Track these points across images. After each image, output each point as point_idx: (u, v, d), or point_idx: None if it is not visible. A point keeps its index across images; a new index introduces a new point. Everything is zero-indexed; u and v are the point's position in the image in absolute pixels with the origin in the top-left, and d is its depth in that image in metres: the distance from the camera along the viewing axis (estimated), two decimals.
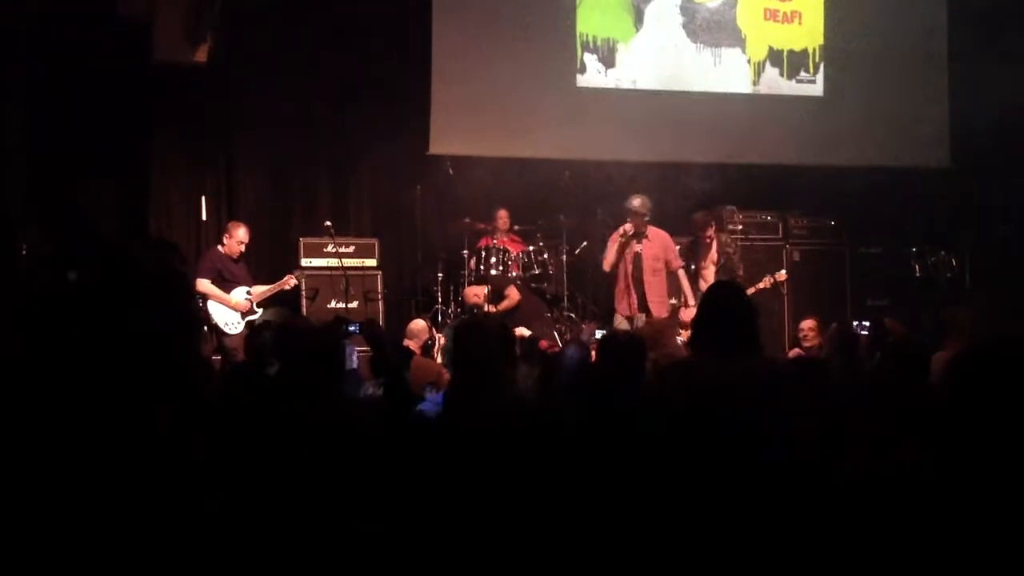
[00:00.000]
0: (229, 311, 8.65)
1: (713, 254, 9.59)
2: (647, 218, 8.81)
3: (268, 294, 8.89)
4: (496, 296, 9.54)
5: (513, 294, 9.61)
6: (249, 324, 8.28)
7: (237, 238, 8.78)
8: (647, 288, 8.73)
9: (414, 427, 3.41)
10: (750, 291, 8.96)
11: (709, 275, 9.40)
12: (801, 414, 3.35)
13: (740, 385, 3.24)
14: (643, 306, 8.68)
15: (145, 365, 2.63)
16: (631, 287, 8.76)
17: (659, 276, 8.84)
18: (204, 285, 8.57)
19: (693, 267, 9.53)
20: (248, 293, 8.76)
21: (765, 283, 9.36)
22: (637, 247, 8.78)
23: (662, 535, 2.95)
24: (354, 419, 2.76)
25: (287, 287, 8.99)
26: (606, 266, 9.00)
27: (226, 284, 8.72)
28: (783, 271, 9.62)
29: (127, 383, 2.57)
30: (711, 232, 9.65)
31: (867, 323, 8.56)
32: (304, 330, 3.17)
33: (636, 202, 8.75)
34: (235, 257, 8.82)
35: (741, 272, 9.49)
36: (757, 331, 3.42)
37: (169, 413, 2.58)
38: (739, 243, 9.96)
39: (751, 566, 2.95)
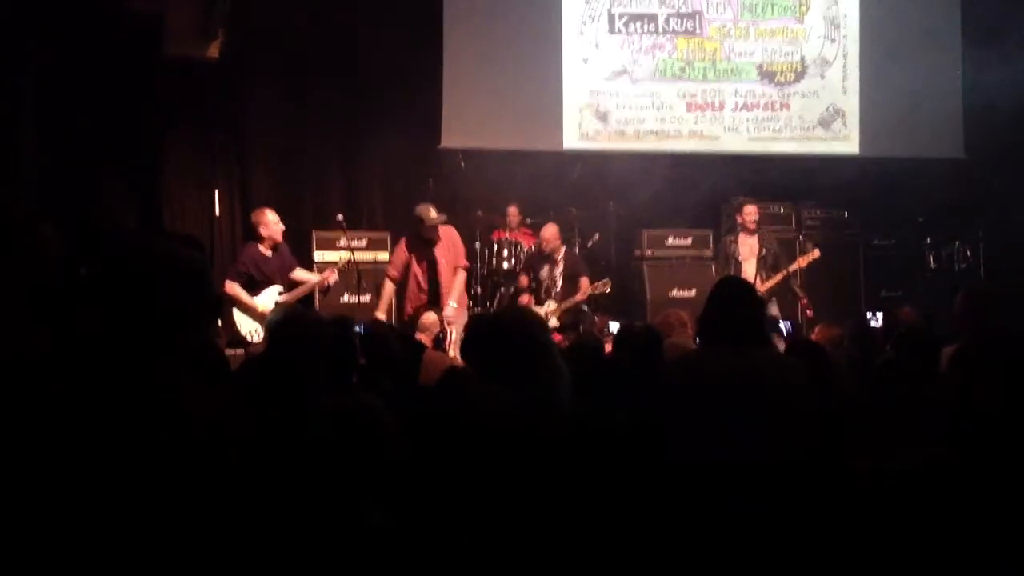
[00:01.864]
0: (254, 320, 7.90)
1: (755, 245, 9.21)
2: (432, 223, 8.24)
3: (304, 293, 8.30)
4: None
5: (584, 285, 9.05)
6: None
7: (271, 222, 8.12)
8: (443, 290, 8.31)
9: (424, 421, 3.41)
10: (782, 275, 8.92)
11: (750, 268, 9.02)
12: (809, 406, 3.34)
13: (747, 376, 3.24)
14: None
15: (160, 357, 2.64)
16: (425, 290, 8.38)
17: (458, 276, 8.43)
18: (232, 288, 7.94)
19: (733, 259, 9.17)
20: (280, 294, 8.06)
21: (799, 264, 9.08)
22: (434, 251, 8.35)
23: (669, 529, 2.95)
24: (362, 413, 2.76)
25: (328, 283, 8.53)
26: None
27: (258, 286, 8.02)
28: (816, 250, 9.24)
29: (145, 375, 2.59)
30: (753, 217, 9.20)
31: (880, 314, 8.52)
32: (310, 324, 3.18)
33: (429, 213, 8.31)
34: (275, 246, 8.14)
35: (787, 270, 8.99)
36: (763, 323, 3.43)
37: (190, 400, 2.60)
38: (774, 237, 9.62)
39: (758, 563, 2.95)
